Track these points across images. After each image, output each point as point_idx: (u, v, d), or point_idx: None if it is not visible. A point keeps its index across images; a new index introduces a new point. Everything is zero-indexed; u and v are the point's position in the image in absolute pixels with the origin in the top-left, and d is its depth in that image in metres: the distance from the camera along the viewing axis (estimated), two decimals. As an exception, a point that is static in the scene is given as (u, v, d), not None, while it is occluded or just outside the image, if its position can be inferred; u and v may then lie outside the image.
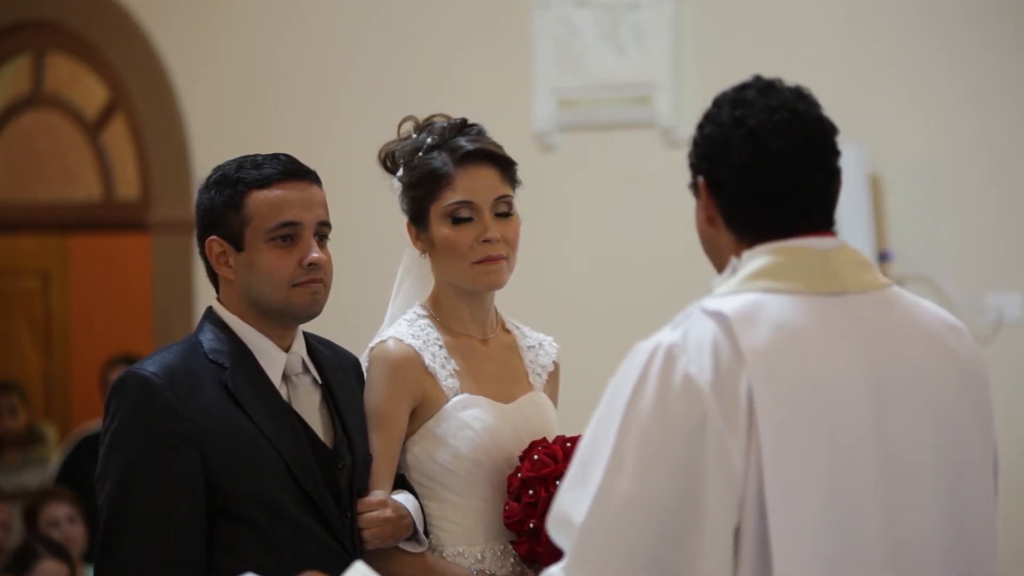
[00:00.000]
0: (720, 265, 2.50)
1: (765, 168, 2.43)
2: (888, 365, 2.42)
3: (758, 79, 2.50)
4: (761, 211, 2.44)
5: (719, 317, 2.37)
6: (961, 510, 2.44)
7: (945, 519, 2.42)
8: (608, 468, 2.35)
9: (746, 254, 2.44)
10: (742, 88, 2.49)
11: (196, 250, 3.22)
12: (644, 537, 2.32)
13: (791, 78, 2.54)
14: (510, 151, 3.34)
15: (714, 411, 2.32)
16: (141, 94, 7.58)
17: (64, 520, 6.46)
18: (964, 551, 2.44)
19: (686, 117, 6.47)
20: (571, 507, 2.38)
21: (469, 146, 3.28)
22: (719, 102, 2.50)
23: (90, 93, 7.88)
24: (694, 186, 2.51)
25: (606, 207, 6.69)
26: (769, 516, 2.31)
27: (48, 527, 6.41)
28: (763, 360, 2.35)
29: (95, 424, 7.52)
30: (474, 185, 3.27)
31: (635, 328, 6.30)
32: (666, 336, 2.39)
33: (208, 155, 7.04)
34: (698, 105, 2.59)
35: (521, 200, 3.34)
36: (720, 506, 2.32)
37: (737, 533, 2.33)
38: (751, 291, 2.41)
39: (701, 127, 2.50)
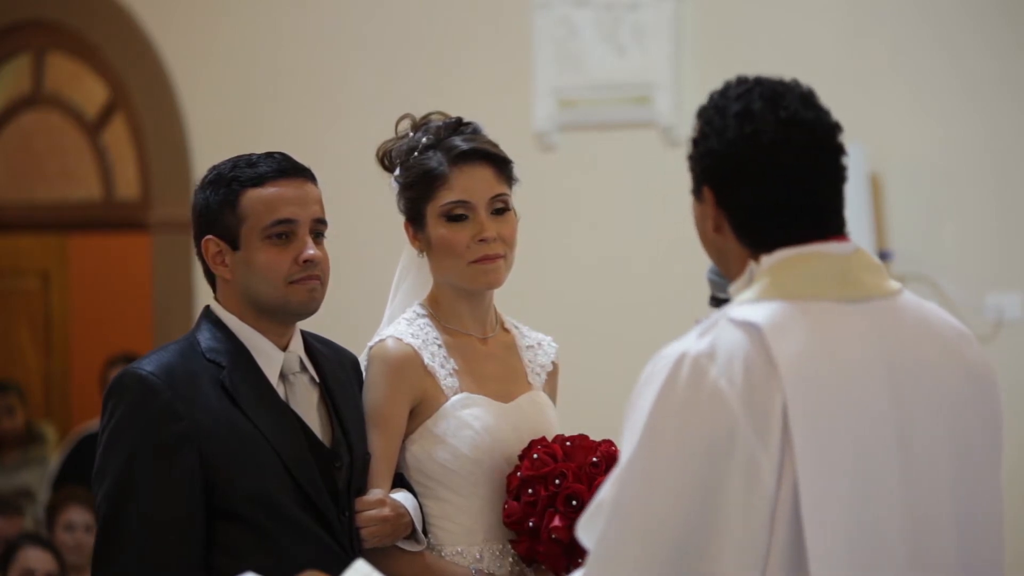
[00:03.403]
0: (728, 268, 2.45)
1: (781, 185, 2.38)
2: (906, 371, 2.40)
3: (759, 82, 2.43)
4: (776, 224, 2.39)
5: (750, 327, 2.32)
6: (972, 508, 2.44)
7: (958, 519, 2.41)
8: (623, 479, 2.31)
9: (765, 260, 2.39)
10: (745, 94, 2.41)
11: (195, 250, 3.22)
12: (662, 551, 2.29)
13: (791, 78, 2.51)
14: (510, 151, 3.34)
15: (744, 425, 2.28)
16: (141, 94, 7.58)
17: (81, 527, 6.42)
18: (975, 548, 2.43)
19: (686, 117, 6.45)
20: (591, 523, 2.36)
21: (464, 145, 3.27)
22: (721, 110, 2.42)
23: (90, 93, 7.88)
24: (697, 191, 2.45)
25: (606, 207, 6.68)
26: (805, 527, 2.27)
27: (64, 530, 6.39)
28: (797, 371, 2.30)
29: (95, 424, 7.51)
30: (469, 184, 3.26)
31: (635, 328, 6.33)
32: (692, 345, 2.32)
33: (208, 155, 7.00)
34: (698, 105, 2.56)
35: (521, 200, 3.34)
36: (745, 523, 2.27)
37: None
38: (776, 299, 2.36)
39: (706, 138, 2.42)
